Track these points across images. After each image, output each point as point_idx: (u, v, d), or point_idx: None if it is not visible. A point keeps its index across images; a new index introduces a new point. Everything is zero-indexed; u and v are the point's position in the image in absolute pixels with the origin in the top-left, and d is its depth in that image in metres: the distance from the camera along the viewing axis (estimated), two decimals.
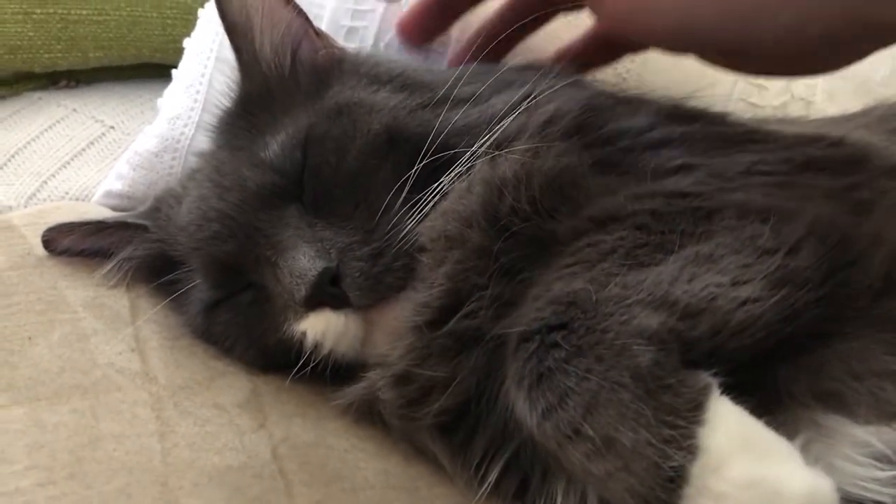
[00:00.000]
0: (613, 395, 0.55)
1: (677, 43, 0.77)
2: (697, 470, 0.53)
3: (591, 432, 0.55)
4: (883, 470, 0.58)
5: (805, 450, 0.58)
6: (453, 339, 0.67)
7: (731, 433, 0.54)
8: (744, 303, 0.58)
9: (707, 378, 0.56)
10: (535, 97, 0.75)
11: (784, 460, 0.54)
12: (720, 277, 0.60)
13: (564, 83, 0.78)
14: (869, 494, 0.58)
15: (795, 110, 1.07)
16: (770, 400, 0.60)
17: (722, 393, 0.56)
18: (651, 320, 0.57)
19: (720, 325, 0.58)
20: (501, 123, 0.73)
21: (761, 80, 1.06)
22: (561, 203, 0.68)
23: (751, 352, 0.59)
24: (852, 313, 0.61)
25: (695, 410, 0.54)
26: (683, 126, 0.77)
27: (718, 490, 0.53)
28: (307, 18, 0.88)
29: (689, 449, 0.53)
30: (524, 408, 0.59)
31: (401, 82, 0.83)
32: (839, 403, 0.60)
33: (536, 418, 0.58)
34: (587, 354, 0.57)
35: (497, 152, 0.71)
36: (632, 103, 0.80)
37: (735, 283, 0.59)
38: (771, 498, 0.52)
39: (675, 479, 0.53)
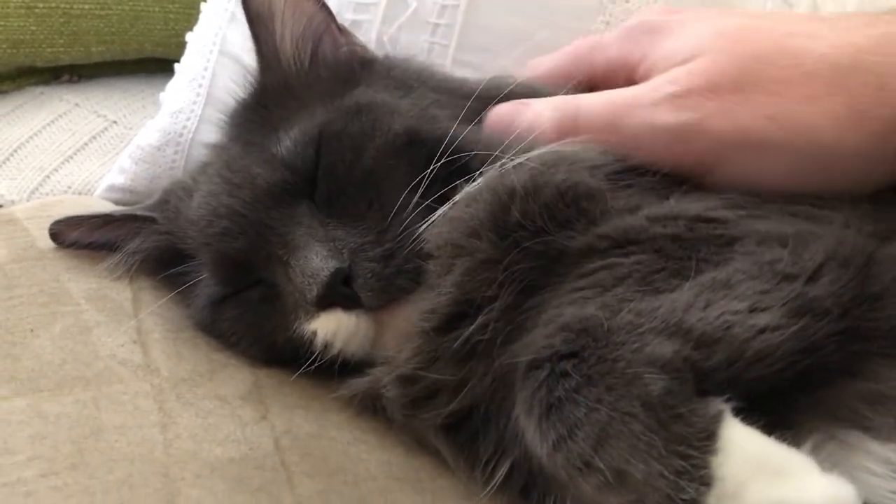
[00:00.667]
0: (624, 427, 0.54)
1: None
2: (713, 500, 0.52)
3: (601, 465, 0.54)
4: None
5: (822, 460, 0.57)
6: (462, 346, 0.67)
7: (745, 458, 0.53)
8: (762, 331, 0.57)
9: (719, 405, 0.55)
10: None
11: (801, 474, 0.53)
12: (737, 304, 0.58)
13: None
14: None
15: None
16: (785, 419, 0.59)
17: (734, 415, 0.55)
18: (664, 349, 0.56)
19: (737, 355, 0.57)
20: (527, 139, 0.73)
21: None
22: (576, 216, 0.67)
23: (769, 382, 0.58)
24: (877, 347, 0.60)
25: (707, 440, 0.53)
26: None
27: None
28: (330, 13, 0.87)
29: (703, 479, 0.52)
30: (535, 438, 0.58)
31: (428, 90, 0.82)
32: (860, 422, 0.59)
33: (547, 450, 0.57)
34: (598, 384, 0.56)
35: (509, 158, 0.71)
36: None
37: (753, 311, 0.58)
38: None
39: None
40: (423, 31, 1.02)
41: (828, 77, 0.68)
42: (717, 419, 0.54)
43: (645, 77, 0.75)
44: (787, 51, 0.70)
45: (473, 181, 0.71)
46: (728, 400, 0.55)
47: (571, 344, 0.58)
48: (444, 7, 1.01)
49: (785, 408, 0.59)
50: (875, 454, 0.58)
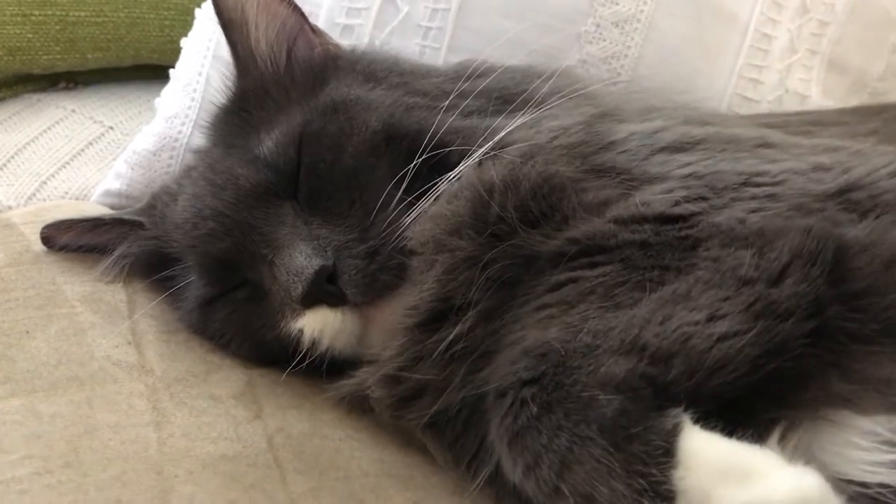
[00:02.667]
0: (584, 451, 0.54)
1: None
2: None
3: (567, 491, 0.55)
4: (889, 453, 0.58)
5: (810, 440, 0.58)
6: (445, 348, 0.67)
7: (707, 467, 0.53)
8: (720, 339, 0.57)
9: (676, 417, 0.55)
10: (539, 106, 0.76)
11: (765, 471, 0.53)
12: (695, 315, 0.58)
13: (567, 94, 0.79)
14: (877, 478, 0.58)
15: (790, 105, 1.07)
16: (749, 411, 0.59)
17: (695, 422, 0.55)
18: (618, 368, 0.56)
19: (695, 366, 0.56)
20: (504, 129, 0.73)
21: (756, 75, 1.06)
22: (549, 211, 0.68)
23: (737, 389, 0.58)
24: (867, 344, 0.60)
25: (664, 455, 0.53)
26: (698, 128, 0.77)
27: None
28: (303, 15, 0.88)
29: (665, 495, 0.52)
30: (507, 464, 0.59)
31: (397, 80, 0.83)
32: (845, 401, 0.59)
33: (518, 477, 0.58)
34: (557, 411, 0.56)
35: (490, 152, 0.71)
36: (645, 109, 0.81)
37: (711, 319, 0.58)
38: None
39: None
40: (414, 35, 1.03)
41: None
42: (673, 433, 0.54)
43: None
44: None
45: (455, 176, 0.71)
46: (687, 409, 0.55)
47: (532, 371, 0.59)
48: (434, 11, 1.02)
49: (750, 400, 0.59)
50: (860, 428, 0.58)
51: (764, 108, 1.06)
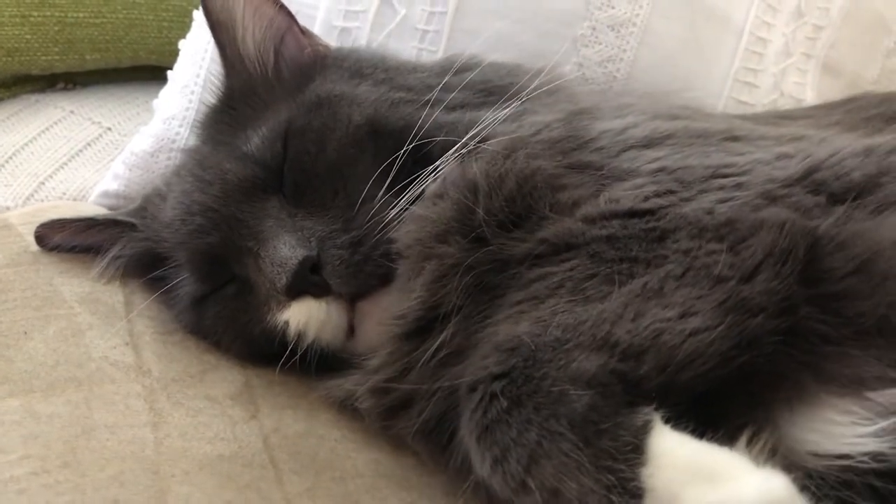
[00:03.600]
0: (553, 446, 0.54)
1: None
2: None
3: (534, 485, 0.55)
4: (866, 426, 0.58)
5: (789, 418, 0.59)
6: (432, 357, 0.67)
7: (676, 466, 0.53)
8: (691, 334, 0.57)
9: (646, 414, 0.55)
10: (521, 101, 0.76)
11: (733, 473, 0.53)
12: (667, 312, 0.58)
13: (550, 88, 0.79)
14: (858, 448, 0.58)
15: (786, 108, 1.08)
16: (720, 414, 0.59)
17: (665, 421, 0.55)
18: (589, 363, 0.56)
19: (667, 360, 0.57)
20: (487, 124, 0.74)
21: (751, 79, 1.07)
22: (525, 212, 0.68)
23: (709, 382, 0.58)
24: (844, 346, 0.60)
25: (633, 452, 0.53)
26: (668, 123, 0.77)
27: None
28: (290, 15, 0.89)
29: (633, 492, 0.53)
30: (475, 459, 0.59)
31: (383, 76, 0.84)
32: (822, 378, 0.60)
33: (486, 471, 0.58)
34: (526, 405, 0.56)
35: (473, 145, 0.72)
36: (619, 106, 0.81)
37: (683, 316, 0.58)
38: None
39: None
40: (411, 38, 1.03)
41: None
42: (643, 430, 0.54)
43: None
44: None
45: (437, 171, 0.72)
46: (658, 408, 0.55)
47: (502, 365, 0.59)
48: (431, 14, 1.03)
49: (723, 401, 0.59)
50: (838, 406, 0.59)
51: (759, 111, 1.06)
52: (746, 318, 0.58)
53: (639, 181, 0.68)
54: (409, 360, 0.68)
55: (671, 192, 0.67)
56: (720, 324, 0.58)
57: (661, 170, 0.69)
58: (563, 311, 0.60)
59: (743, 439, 0.57)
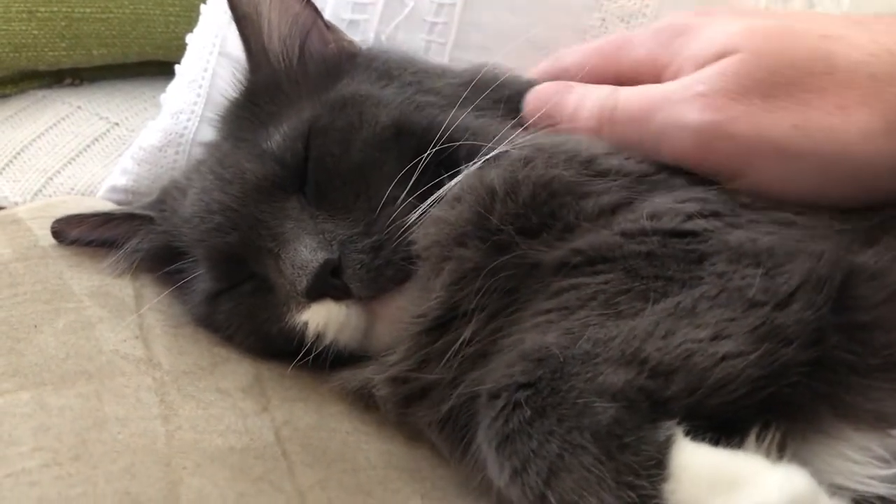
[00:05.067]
0: (575, 459, 0.54)
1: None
2: None
3: (554, 500, 0.54)
4: (881, 469, 0.57)
5: (801, 446, 0.58)
6: (456, 350, 0.67)
7: (696, 479, 0.53)
8: (724, 358, 0.56)
9: (669, 429, 0.54)
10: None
11: (753, 476, 0.52)
12: (699, 332, 0.58)
13: None
14: (871, 490, 0.57)
15: None
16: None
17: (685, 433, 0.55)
18: (617, 378, 0.56)
19: (697, 383, 0.56)
20: (516, 134, 0.73)
21: None
22: (548, 219, 0.67)
23: (733, 410, 0.57)
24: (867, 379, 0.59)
25: (656, 468, 0.53)
26: None
27: None
28: (316, 10, 0.88)
29: None
30: (493, 468, 0.59)
31: (410, 77, 0.83)
32: (839, 410, 0.59)
33: (504, 481, 0.57)
34: (550, 416, 0.56)
35: (497, 152, 0.71)
36: None
37: (715, 339, 0.57)
38: None
39: None
40: (420, 30, 1.03)
41: (863, 86, 0.66)
42: (666, 445, 0.53)
43: (673, 79, 0.73)
44: (821, 57, 0.68)
45: (457, 175, 0.71)
46: (680, 422, 0.55)
47: (528, 375, 0.58)
48: (440, 6, 1.02)
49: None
50: (854, 442, 0.58)
51: None
52: (780, 346, 0.57)
53: (679, 194, 0.67)
54: (429, 351, 0.68)
55: (716, 213, 0.66)
56: (754, 351, 0.57)
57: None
58: (594, 325, 0.60)
59: (752, 436, 0.57)
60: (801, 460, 0.57)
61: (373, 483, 0.68)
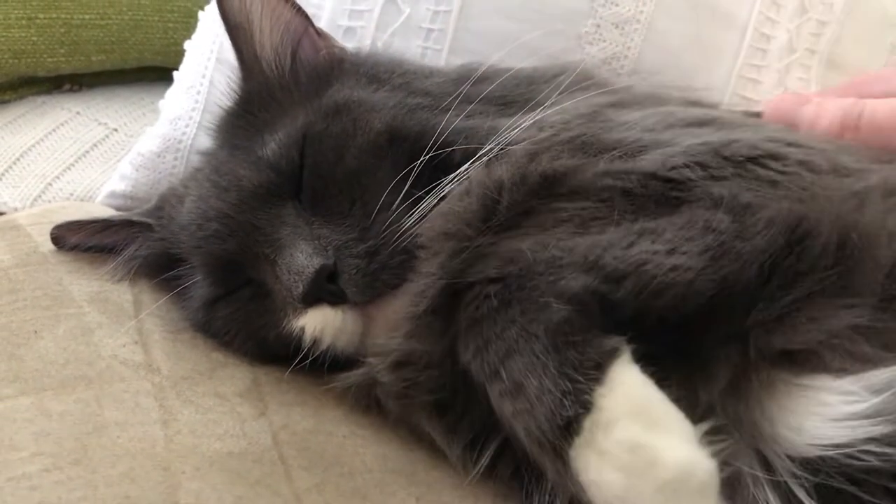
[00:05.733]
0: (528, 345, 0.60)
1: None
2: (589, 424, 0.57)
3: (505, 376, 0.61)
4: (863, 403, 0.59)
5: (786, 407, 0.61)
6: (445, 318, 0.69)
7: (627, 397, 0.57)
8: (672, 269, 0.61)
9: (617, 342, 0.59)
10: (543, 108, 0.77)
11: (671, 434, 0.56)
12: (656, 246, 0.62)
13: (572, 91, 0.80)
14: (858, 433, 0.59)
15: None
16: (740, 363, 0.62)
17: (639, 361, 0.59)
18: (575, 282, 0.61)
19: (643, 287, 0.61)
20: (508, 132, 0.74)
21: (755, 75, 1.07)
22: (549, 194, 0.70)
23: (683, 312, 0.61)
24: (808, 284, 0.62)
25: (595, 369, 0.58)
26: (712, 111, 0.80)
27: (603, 446, 0.56)
28: (307, 17, 0.89)
29: (583, 404, 0.57)
30: (462, 347, 0.65)
31: (400, 80, 0.84)
32: (813, 363, 0.62)
33: (468, 357, 0.64)
34: (514, 307, 0.62)
35: (498, 151, 0.72)
36: (647, 99, 0.82)
37: (670, 252, 0.62)
38: (648, 464, 0.55)
39: (570, 428, 0.57)
40: (416, 37, 1.04)
41: None
42: (610, 354, 0.58)
43: None
44: None
45: (459, 177, 0.73)
46: (632, 341, 0.59)
47: (499, 270, 0.65)
48: (436, 13, 1.03)
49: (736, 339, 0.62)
50: (833, 389, 0.61)
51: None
52: (729, 263, 0.61)
53: (669, 150, 0.70)
54: (427, 325, 0.69)
55: (702, 164, 0.68)
56: (703, 265, 0.61)
57: (702, 143, 0.71)
58: (564, 239, 0.65)
59: (704, 425, 0.59)
60: (783, 411, 0.61)
61: (369, 486, 0.68)
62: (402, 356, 0.70)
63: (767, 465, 0.61)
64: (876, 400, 0.59)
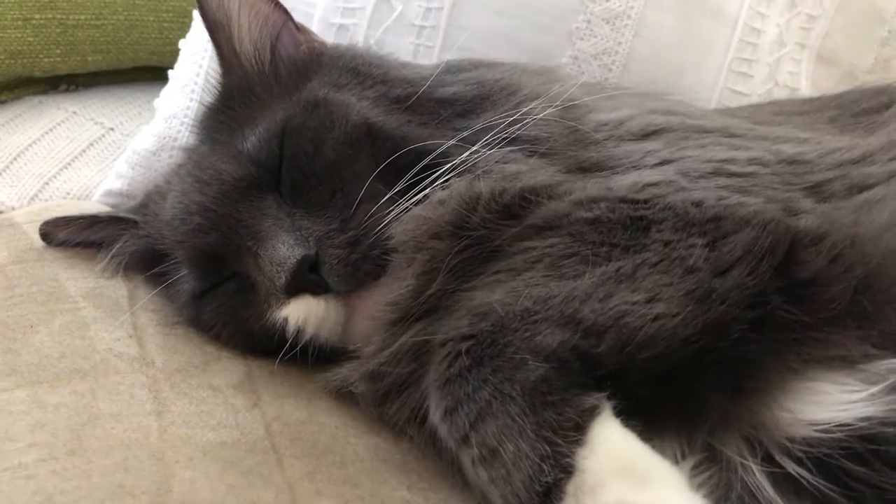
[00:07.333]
0: (502, 407, 0.57)
1: None
2: (572, 489, 0.54)
3: (475, 442, 0.58)
4: (859, 392, 0.60)
5: (780, 391, 0.61)
6: (422, 340, 0.68)
7: (611, 457, 0.54)
8: (654, 318, 0.59)
9: (597, 399, 0.56)
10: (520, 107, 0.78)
11: (661, 486, 0.54)
12: (635, 296, 0.60)
13: (551, 87, 0.81)
14: (853, 413, 0.59)
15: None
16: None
17: (619, 415, 0.57)
18: (552, 338, 0.59)
19: (626, 340, 0.58)
20: (490, 133, 0.75)
21: (746, 69, 1.08)
22: (521, 210, 0.69)
23: (669, 364, 0.59)
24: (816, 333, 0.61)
25: (575, 430, 0.55)
26: (663, 117, 0.79)
27: None
28: (286, 11, 0.89)
29: (565, 467, 0.54)
30: (432, 407, 0.62)
31: (381, 76, 0.85)
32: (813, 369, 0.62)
33: (438, 418, 0.61)
34: (486, 365, 0.59)
35: (476, 158, 0.73)
36: (615, 98, 0.83)
37: (649, 301, 0.60)
38: None
39: (549, 495, 0.54)
40: (408, 34, 1.05)
41: None
42: (590, 413, 0.56)
43: None
44: None
45: (444, 177, 0.73)
46: (611, 398, 0.57)
47: (472, 327, 0.62)
48: (428, 10, 1.04)
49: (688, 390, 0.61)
50: (830, 379, 0.61)
51: (754, 101, 1.07)
52: (711, 306, 0.59)
53: (644, 173, 0.70)
54: (402, 344, 0.69)
55: (671, 182, 0.68)
56: (683, 311, 0.59)
57: (662, 162, 0.71)
58: (536, 284, 0.63)
59: (688, 463, 0.59)
60: (779, 404, 0.60)
61: (361, 475, 0.69)
62: (377, 367, 0.70)
63: (762, 457, 0.61)
64: (874, 389, 0.59)
